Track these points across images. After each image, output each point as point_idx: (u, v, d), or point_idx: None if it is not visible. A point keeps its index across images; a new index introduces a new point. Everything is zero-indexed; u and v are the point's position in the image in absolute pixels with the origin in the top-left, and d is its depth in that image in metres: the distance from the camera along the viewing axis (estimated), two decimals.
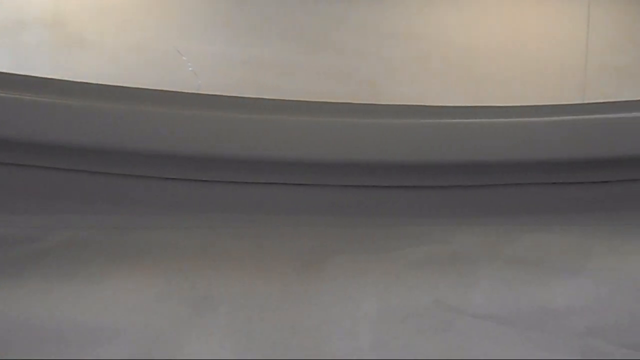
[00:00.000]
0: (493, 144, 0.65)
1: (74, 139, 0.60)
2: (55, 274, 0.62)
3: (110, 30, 3.02)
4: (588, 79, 2.61)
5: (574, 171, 0.68)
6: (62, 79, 0.67)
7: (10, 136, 0.59)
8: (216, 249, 0.68)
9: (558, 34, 2.88)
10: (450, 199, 0.68)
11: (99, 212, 0.67)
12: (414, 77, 3.48)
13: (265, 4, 3.46)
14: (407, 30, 3.50)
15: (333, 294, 0.64)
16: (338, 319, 0.63)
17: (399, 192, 0.67)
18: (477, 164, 0.66)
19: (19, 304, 0.60)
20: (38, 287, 0.61)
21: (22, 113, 0.59)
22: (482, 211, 0.68)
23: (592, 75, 2.66)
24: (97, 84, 0.65)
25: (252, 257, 0.67)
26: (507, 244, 0.67)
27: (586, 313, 0.63)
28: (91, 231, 0.67)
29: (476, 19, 3.40)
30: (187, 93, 0.68)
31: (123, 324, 0.60)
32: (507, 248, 0.67)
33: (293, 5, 3.50)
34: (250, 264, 0.67)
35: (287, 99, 0.70)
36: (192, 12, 3.27)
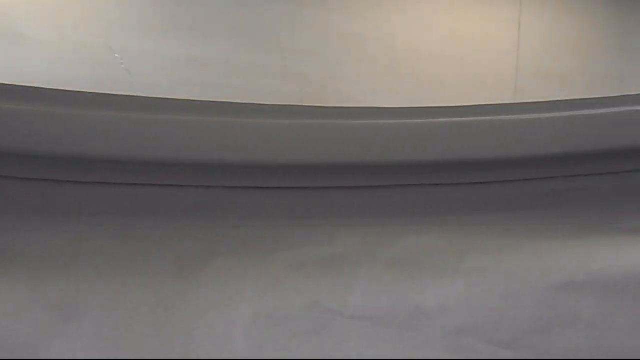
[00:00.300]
0: (373, 145, 0.65)
1: None
2: None
3: (49, 26, 2.90)
4: (519, 81, 2.71)
5: (454, 172, 0.69)
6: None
7: None
8: (91, 253, 0.65)
9: (493, 39, 2.97)
10: (331, 200, 0.68)
11: None
12: (359, 78, 3.52)
13: (211, 2, 3.41)
14: (353, 31, 3.53)
15: (208, 297, 0.63)
16: (212, 323, 0.62)
17: (279, 193, 0.67)
18: (357, 165, 0.66)
19: None
20: None
21: None
22: (363, 212, 0.69)
23: (523, 78, 2.76)
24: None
25: (129, 260, 0.65)
26: (387, 246, 0.67)
27: (458, 312, 0.65)
28: None
29: (420, 22, 3.46)
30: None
31: None
32: (386, 249, 0.67)
33: (239, 4, 3.46)
34: (126, 267, 0.64)
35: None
36: (136, 10, 3.19)
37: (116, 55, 2.65)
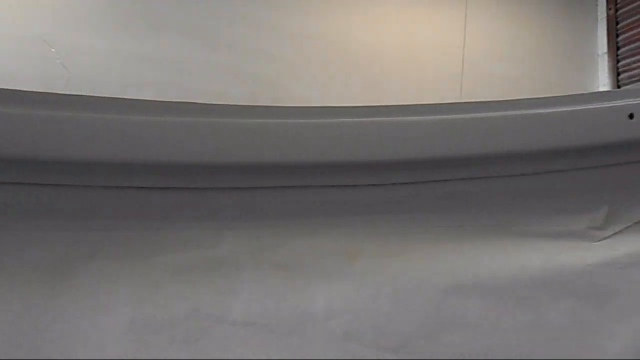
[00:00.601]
0: (262, 144, 0.63)
1: None
2: None
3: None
4: (464, 84, 2.76)
5: (350, 174, 0.68)
6: None
7: None
8: None
9: (441, 42, 3.01)
10: (219, 201, 0.66)
11: None
12: (314, 78, 3.51)
13: (164, 0, 3.34)
14: (309, 31, 3.52)
15: (81, 304, 0.60)
16: (84, 330, 0.59)
17: (164, 193, 0.64)
18: (243, 164, 0.64)
19: None
20: None
21: None
22: (252, 214, 0.66)
23: (467, 80, 2.80)
24: None
25: None
26: (275, 249, 0.65)
27: (345, 317, 0.64)
28: None
29: (376, 23, 3.48)
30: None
31: None
32: (274, 253, 0.65)
33: (193, 3, 3.39)
34: None
35: None
36: (87, 6, 3.09)
37: (52, 49, 2.55)
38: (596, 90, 3.18)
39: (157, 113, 0.62)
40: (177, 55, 3.37)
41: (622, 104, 0.73)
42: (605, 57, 3.55)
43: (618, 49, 3.51)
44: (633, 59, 3.37)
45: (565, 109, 0.72)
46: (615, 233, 0.74)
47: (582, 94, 0.73)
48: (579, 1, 3.70)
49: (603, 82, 3.42)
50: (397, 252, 0.68)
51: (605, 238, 0.74)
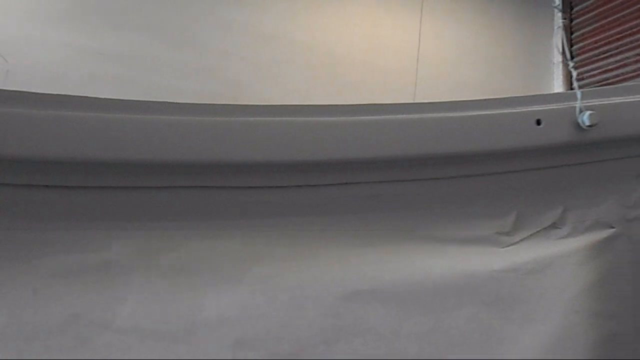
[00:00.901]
0: (144, 142, 0.60)
1: None
2: None
3: None
4: (420, 89, 2.78)
5: (245, 176, 0.66)
6: None
7: None
8: None
9: (401, 47, 3.04)
10: (110, 201, 0.62)
11: None
12: (277, 79, 3.48)
13: None
14: (273, 32, 3.49)
15: None
16: None
17: (48, 191, 0.60)
18: (136, 163, 0.61)
19: None
20: None
21: None
22: (144, 215, 0.63)
23: (423, 86, 2.83)
24: None
25: None
26: (168, 252, 0.62)
27: (238, 324, 0.61)
28: None
29: (339, 25, 3.48)
30: None
31: None
32: (167, 256, 0.62)
33: None
34: None
35: None
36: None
37: None
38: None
39: (38, 106, 0.58)
40: (135, 51, 3.29)
41: (530, 109, 0.73)
42: (560, 65, 3.65)
43: (572, 58, 3.60)
44: (586, 68, 3.46)
45: (472, 113, 0.71)
46: (523, 239, 0.74)
47: (491, 99, 0.73)
48: (537, 11, 3.79)
49: (558, 89, 3.50)
50: (299, 257, 0.66)
51: (513, 244, 0.74)
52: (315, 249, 0.67)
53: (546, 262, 0.73)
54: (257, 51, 3.46)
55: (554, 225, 0.75)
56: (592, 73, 3.38)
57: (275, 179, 0.67)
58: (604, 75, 3.28)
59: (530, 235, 0.74)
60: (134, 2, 3.32)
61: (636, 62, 3.10)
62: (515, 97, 0.74)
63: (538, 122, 0.72)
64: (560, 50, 3.56)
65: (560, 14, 3.57)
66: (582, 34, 3.56)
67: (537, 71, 3.67)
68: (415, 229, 0.70)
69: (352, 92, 3.21)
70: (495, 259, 0.71)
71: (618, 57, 3.24)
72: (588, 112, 0.72)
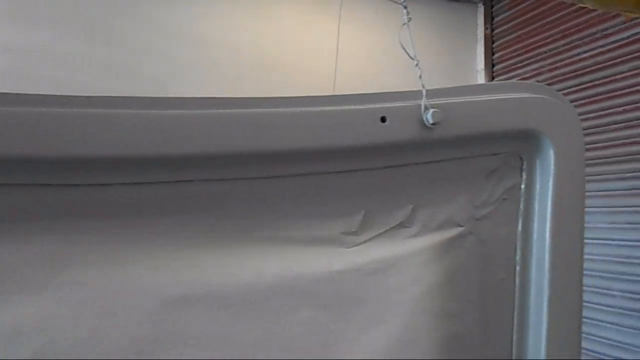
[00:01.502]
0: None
1: None
2: None
3: None
4: (337, 83, 2.79)
5: (55, 172, 0.60)
6: None
7: None
8: None
9: (325, 51, 3.06)
10: None
11: None
12: (200, 78, 3.40)
13: None
14: (196, 31, 3.40)
15: None
16: None
17: None
18: None
19: None
20: None
21: None
22: None
23: (343, 88, 2.85)
24: None
25: None
26: None
27: (37, 335, 0.55)
28: None
29: (266, 28, 3.44)
30: None
31: None
32: None
33: None
34: None
35: None
36: None
37: None
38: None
39: None
40: (54, 48, 3.11)
41: (374, 107, 0.71)
42: (483, 72, 3.77)
43: (493, 66, 3.73)
44: (506, 75, 3.60)
45: (315, 109, 0.69)
46: (370, 239, 0.73)
47: (336, 95, 0.71)
48: (461, 20, 3.91)
49: None
50: (117, 261, 0.61)
51: (359, 244, 0.72)
52: (138, 253, 0.62)
53: (391, 262, 0.71)
54: (179, 50, 3.37)
55: (402, 225, 0.74)
56: (511, 81, 3.51)
57: (96, 177, 0.62)
58: None
59: (378, 234, 0.73)
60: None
61: (550, 70, 3.24)
62: (361, 94, 0.72)
63: (383, 120, 0.71)
64: (483, 58, 3.69)
65: (482, 24, 3.70)
66: (502, 43, 3.70)
67: (463, 78, 3.78)
68: (251, 230, 0.67)
69: (278, 93, 3.18)
70: (337, 260, 0.69)
71: (535, 66, 3.38)
72: (432, 110, 0.71)
